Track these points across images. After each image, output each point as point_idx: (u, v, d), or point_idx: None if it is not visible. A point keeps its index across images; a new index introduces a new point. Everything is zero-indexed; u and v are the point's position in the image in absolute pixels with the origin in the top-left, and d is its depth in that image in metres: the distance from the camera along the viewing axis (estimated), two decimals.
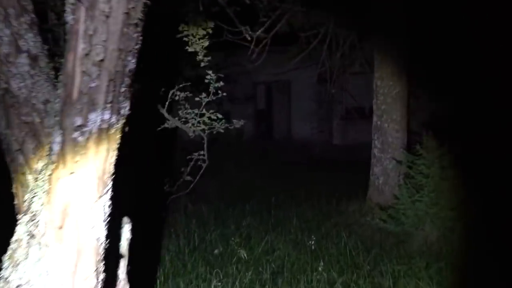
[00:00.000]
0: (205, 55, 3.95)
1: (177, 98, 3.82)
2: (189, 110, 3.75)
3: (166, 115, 3.62)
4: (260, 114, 16.74)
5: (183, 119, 3.75)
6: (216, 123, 4.14)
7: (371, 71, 7.28)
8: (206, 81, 3.87)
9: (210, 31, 3.69)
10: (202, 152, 4.08)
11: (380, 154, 5.23)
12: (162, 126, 3.69)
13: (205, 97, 3.85)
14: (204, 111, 3.87)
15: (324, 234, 4.60)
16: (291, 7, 6.58)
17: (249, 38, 6.23)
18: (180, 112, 3.73)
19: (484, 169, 4.03)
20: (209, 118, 3.91)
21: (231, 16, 4.47)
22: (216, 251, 4.42)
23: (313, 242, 4.05)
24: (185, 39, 3.62)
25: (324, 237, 4.51)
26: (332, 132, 14.72)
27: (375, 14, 5.16)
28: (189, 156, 4.18)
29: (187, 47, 3.65)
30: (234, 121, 4.37)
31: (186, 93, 3.93)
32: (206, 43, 3.69)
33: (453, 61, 5.42)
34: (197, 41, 3.59)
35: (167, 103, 3.60)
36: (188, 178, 4.53)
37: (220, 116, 4.08)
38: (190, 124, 3.77)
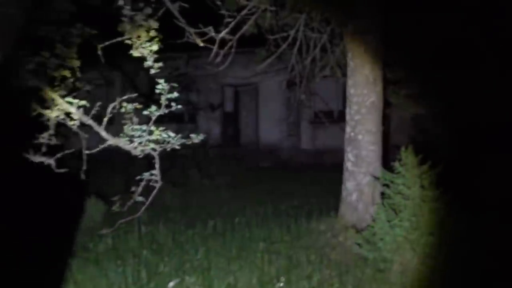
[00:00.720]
0: (157, 60, 3.36)
1: (123, 110, 3.22)
2: (136, 126, 3.15)
3: (103, 134, 2.99)
4: (227, 118, 16.16)
5: (128, 138, 3.14)
6: (172, 139, 3.55)
7: (342, 76, 6.88)
8: (157, 91, 3.28)
9: (155, 34, 3.08)
10: (154, 172, 3.48)
11: (354, 168, 4.77)
12: (101, 147, 3.05)
13: (156, 110, 3.26)
14: (153, 127, 3.27)
15: (294, 262, 4.09)
16: (258, 6, 6.05)
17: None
18: (125, 128, 3.11)
19: (468, 189, 3.66)
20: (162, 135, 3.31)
21: (176, 14, 3.86)
22: (171, 284, 3.84)
23: (282, 285, 3.50)
24: (128, 41, 3.02)
25: (294, 266, 4.00)
26: (301, 136, 14.33)
27: (350, 16, 4.70)
28: (139, 177, 3.57)
29: (130, 52, 3.06)
30: (192, 135, 3.78)
31: (135, 104, 3.33)
32: (155, 47, 3.09)
33: (433, 69, 5.06)
34: (143, 45, 3.00)
35: (105, 118, 2.97)
36: (140, 199, 3.90)
37: (172, 134, 3.49)
38: (136, 144, 3.16)
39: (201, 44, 5.00)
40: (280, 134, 14.43)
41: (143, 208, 4.08)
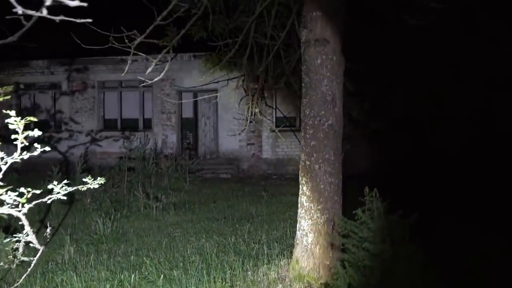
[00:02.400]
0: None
1: None
2: None
3: None
4: (185, 125, 15.08)
5: None
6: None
7: (299, 90, 6.02)
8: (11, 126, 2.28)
9: None
10: (25, 232, 2.46)
11: (309, 203, 3.87)
12: None
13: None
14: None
15: None
16: (200, 7, 5.08)
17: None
18: None
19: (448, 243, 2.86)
20: None
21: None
22: None
23: None
24: None
25: None
26: (262, 145, 13.42)
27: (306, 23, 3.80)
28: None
29: None
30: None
31: None
32: None
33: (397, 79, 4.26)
34: None
35: None
36: (25, 259, 2.86)
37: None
38: None
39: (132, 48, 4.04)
40: (240, 143, 13.49)
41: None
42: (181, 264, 4.62)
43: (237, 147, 13.41)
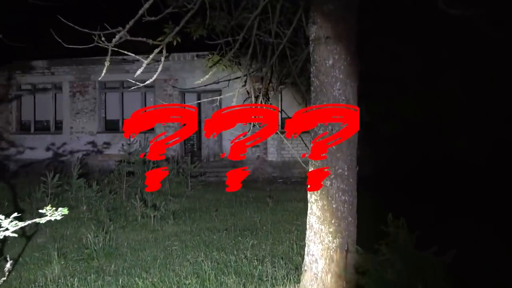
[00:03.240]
0: None
1: None
2: None
3: None
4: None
5: None
6: None
7: (306, 92, 5.51)
8: None
9: None
10: None
11: (320, 225, 3.35)
12: None
13: None
14: None
15: None
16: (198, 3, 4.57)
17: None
18: None
19: None
20: None
21: None
22: None
23: None
24: None
25: None
26: (267, 147, 12.90)
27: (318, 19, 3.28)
28: None
29: None
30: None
31: None
32: None
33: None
34: None
35: None
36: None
37: None
38: None
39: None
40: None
41: None
42: (176, 287, 4.12)
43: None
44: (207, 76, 7.24)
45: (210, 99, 7.62)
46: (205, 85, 13.05)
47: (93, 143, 13.79)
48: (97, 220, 6.98)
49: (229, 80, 6.43)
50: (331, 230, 3.28)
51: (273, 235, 6.24)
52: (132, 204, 7.32)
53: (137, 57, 4.38)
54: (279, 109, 12.45)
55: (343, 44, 3.28)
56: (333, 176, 3.29)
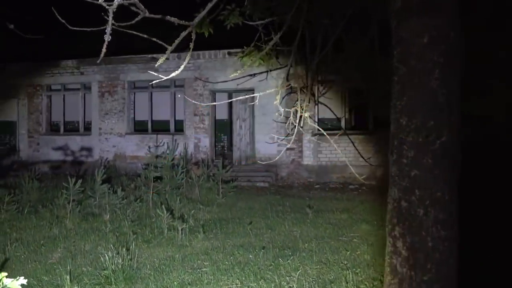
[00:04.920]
0: None
1: None
2: None
3: None
4: (218, 127, 13.84)
5: None
6: None
7: (367, 88, 4.53)
8: None
9: None
10: None
11: (408, 270, 2.35)
12: None
13: None
14: None
15: None
16: None
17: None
18: None
19: None
20: None
21: None
22: None
23: None
24: None
25: None
26: (303, 149, 11.91)
27: None
28: None
29: None
30: None
31: None
32: None
33: None
34: None
35: None
36: None
37: None
38: None
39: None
40: (278, 147, 12.02)
41: None
42: None
43: (275, 152, 11.93)
44: (240, 71, 6.32)
45: (243, 97, 6.72)
46: (237, 84, 12.05)
47: (121, 145, 13.20)
48: (120, 232, 6.21)
49: (268, 71, 5.46)
50: (425, 278, 2.28)
51: (318, 255, 5.27)
52: (156, 214, 6.50)
53: (181, 54, 3.51)
54: (317, 109, 11.44)
55: (444, 16, 2.28)
56: (428, 202, 2.29)
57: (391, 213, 2.49)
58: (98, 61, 2.55)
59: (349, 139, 10.97)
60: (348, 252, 5.40)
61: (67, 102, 14.20)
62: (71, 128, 15.03)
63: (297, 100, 5.56)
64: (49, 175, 12.29)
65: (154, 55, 12.59)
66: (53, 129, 14.40)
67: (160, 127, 13.39)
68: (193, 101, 7.11)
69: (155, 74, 3.48)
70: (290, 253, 5.30)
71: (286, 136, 11.60)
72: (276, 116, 11.51)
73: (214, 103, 6.59)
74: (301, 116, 5.28)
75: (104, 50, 2.46)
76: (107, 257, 4.62)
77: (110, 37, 2.40)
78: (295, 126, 5.41)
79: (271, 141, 10.14)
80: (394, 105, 2.46)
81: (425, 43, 2.29)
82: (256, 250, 5.43)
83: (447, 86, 2.28)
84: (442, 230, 2.28)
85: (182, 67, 3.52)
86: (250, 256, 5.25)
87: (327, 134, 11.56)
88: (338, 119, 11.66)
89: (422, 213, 2.31)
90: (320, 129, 5.88)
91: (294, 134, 5.45)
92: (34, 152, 13.99)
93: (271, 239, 5.99)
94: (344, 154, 11.56)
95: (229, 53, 12.18)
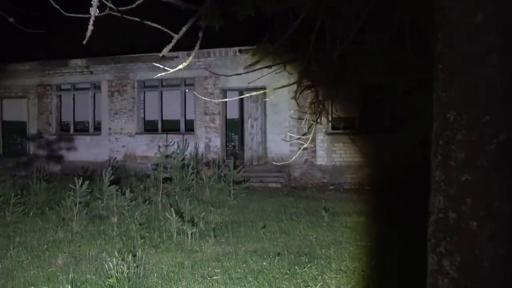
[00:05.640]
0: None
1: None
2: None
3: None
4: (229, 127, 13.52)
5: None
6: None
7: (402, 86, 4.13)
8: None
9: None
10: None
11: None
12: None
13: None
14: None
15: None
16: None
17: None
18: None
19: None
20: None
21: None
22: None
23: None
24: None
25: None
26: (316, 149, 11.50)
27: None
28: None
29: None
30: None
31: None
32: None
33: None
34: None
35: None
36: None
37: None
38: None
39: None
40: (291, 147, 11.64)
41: None
42: None
43: (288, 152, 11.57)
44: (254, 71, 5.96)
45: (257, 93, 6.37)
46: (248, 82, 11.63)
47: (131, 145, 12.95)
48: (127, 236, 5.90)
49: (284, 64, 5.09)
50: None
51: (337, 262, 4.89)
52: (165, 217, 6.18)
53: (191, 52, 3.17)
54: (331, 107, 10.99)
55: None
56: (483, 213, 1.89)
57: (435, 226, 2.09)
58: (84, 42, 2.20)
59: (363, 138, 10.54)
60: (368, 259, 5.01)
61: (77, 102, 14.00)
62: (81, 128, 14.84)
63: (314, 97, 5.17)
64: (58, 175, 12.09)
65: (165, 54, 12.30)
66: (63, 129, 14.22)
67: (170, 127, 13.11)
68: (203, 97, 6.76)
69: (161, 66, 3.14)
70: (307, 260, 4.93)
71: (303, 135, 11.21)
72: (291, 113, 11.14)
73: (226, 99, 6.24)
74: (320, 111, 4.89)
75: (89, 30, 2.11)
76: (112, 264, 4.29)
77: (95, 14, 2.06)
78: (312, 124, 5.03)
79: (287, 140, 9.76)
80: (438, 98, 2.07)
81: (478, 23, 1.89)
82: (271, 257, 5.07)
83: (506, 74, 1.88)
84: (500, 247, 1.88)
85: (190, 58, 3.17)
86: (264, 263, 4.89)
87: (341, 133, 11.15)
88: (353, 118, 11.23)
89: (475, 227, 1.91)
90: (336, 127, 5.48)
91: (312, 132, 5.05)
92: (44, 152, 13.82)
93: (286, 244, 5.62)
94: (359, 154, 11.13)
95: (240, 51, 11.83)
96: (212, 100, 7.46)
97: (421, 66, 4.98)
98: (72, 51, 12.90)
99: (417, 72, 4.88)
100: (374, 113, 11.19)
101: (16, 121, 14.22)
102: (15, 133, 14.40)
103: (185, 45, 4.60)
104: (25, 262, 5.08)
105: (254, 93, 4.91)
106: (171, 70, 2.99)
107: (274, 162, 11.63)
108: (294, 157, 6.16)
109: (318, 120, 4.55)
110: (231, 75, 9.33)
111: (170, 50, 3.88)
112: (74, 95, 13.90)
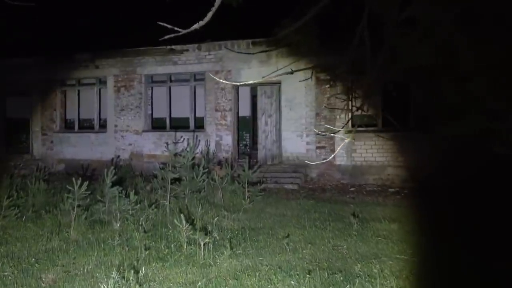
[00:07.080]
0: None
1: None
2: None
3: None
4: (241, 124, 12.65)
5: None
6: None
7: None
8: None
9: None
10: None
11: None
12: None
13: None
14: None
15: None
16: None
17: None
18: None
19: None
20: None
21: None
22: None
23: None
24: None
25: None
26: (334, 148, 10.59)
27: None
28: None
29: None
30: None
31: None
32: None
33: None
34: None
35: None
36: None
37: None
38: None
39: None
40: (308, 146, 10.76)
41: None
42: None
43: (304, 151, 10.68)
44: (269, 65, 5.03)
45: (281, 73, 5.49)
46: (262, 76, 10.61)
47: (138, 143, 12.14)
48: (130, 246, 5.06)
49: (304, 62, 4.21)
50: None
51: (380, 281, 4.00)
52: (176, 224, 5.32)
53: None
54: (351, 102, 10.07)
55: None
56: None
57: None
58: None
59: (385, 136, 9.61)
60: (416, 278, 4.12)
61: (81, 98, 13.24)
62: (86, 126, 14.08)
63: (341, 92, 4.28)
64: (61, 174, 11.32)
65: (173, 46, 11.49)
66: (68, 126, 13.47)
67: (179, 124, 12.27)
68: (220, 86, 5.91)
69: (169, 27, 2.28)
70: (342, 278, 4.06)
71: (316, 133, 10.31)
72: (301, 108, 10.26)
73: (241, 84, 5.37)
74: (355, 107, 4.02)
75: None
76: (109, 286, 3.45)
77: None
78: (347, 121, 4.15)
79: (321, 133, 8.94)
80: None
81: None
82: (298, 274, 4.19)
83: None
84: None
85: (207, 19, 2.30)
86: (292, 282, 4.01)
87: (363, 131, 10.23)
88: (375, 115, 10.31)
89: None
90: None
91: (344, 126, 4.18)
92: (47, 150, 13.08)
93: (314, 257, 4.74)
94: (381, 153, 10.22)
95: (253, 43, 10.98)
96: (226, 91, 6.59)
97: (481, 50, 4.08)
98: (78, 45, 12.15)
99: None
100: (398, 110, 10.25)
101: (20, 118, 13.50)
102: (19, 130, 13.69)
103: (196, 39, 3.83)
104: (9, 277, 4.25)
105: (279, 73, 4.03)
106: (183, 31, 2.13)
107: (295, 162, 10.73)
108: (321, 161, 5.27)
109: (349, 116, 3.67)
110: (248, 68, 8.47)
111: (179, 43, 3.13)
112: (79, 90, 13.13)
